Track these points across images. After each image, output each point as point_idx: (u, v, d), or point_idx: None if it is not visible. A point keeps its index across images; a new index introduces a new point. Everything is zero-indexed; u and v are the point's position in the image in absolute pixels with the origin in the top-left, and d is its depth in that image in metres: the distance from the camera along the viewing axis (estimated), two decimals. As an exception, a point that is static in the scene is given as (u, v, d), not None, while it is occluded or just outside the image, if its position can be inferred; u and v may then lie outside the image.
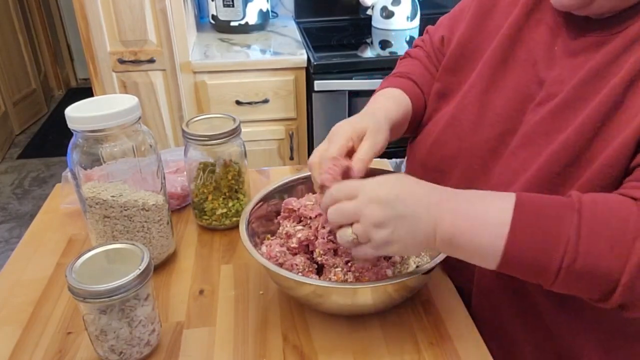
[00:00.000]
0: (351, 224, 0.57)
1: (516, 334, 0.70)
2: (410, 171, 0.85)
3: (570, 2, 0.62)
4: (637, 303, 0.51)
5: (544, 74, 0.67)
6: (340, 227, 0.59)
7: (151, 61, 1.79)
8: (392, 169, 0.84)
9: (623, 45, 0.60)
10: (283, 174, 0.83)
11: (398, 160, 1.74)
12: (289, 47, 1.96)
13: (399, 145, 0.90)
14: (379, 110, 0.75)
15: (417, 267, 0.70)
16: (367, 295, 0.62)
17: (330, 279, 0.65)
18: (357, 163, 0.65)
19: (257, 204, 0.75)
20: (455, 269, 0.74)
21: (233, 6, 2.02)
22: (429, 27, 0.94)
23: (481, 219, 0.55)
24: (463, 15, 0.82)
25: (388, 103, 0.78)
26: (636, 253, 0.49)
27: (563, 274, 0.52)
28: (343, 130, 0.66)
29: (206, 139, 0.80)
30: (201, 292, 0.75)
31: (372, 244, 0.57)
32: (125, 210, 0.71)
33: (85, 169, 0.69)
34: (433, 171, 0.78)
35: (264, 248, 0.71)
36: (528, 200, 0.55)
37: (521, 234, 0.53)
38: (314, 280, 0.62)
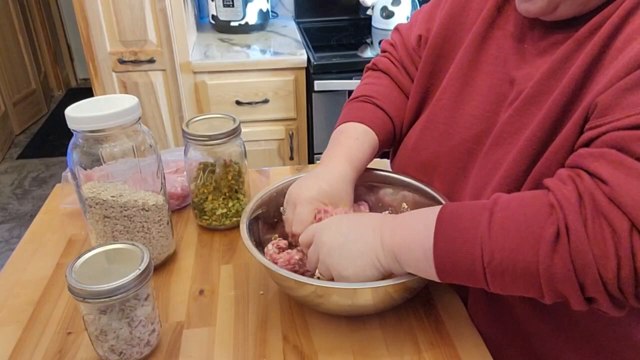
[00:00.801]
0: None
1: (502, 343, 0.69)
2: None
3: (535, 10, 0.62)
4: (572, 294, 0.51)
5: (515, 72, 0.67)
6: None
7: (151, 61, 1.79)
8: (389, 169, 0.84)
9: (581, 38, 0.60)
10: (283, 174, 0.83)
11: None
12: (289, 47, 1.96)
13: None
14: (343, 171, 0.73)
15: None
16: (367, 295, 0.62)
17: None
18: None
19: (257, 203, 0.75)
20: None
21: (233, 6, 2.02)
22: (400, 25, 0.90)
23: (412, 234, 0.59)
24: (438, 11, 0.80)
25: (353, 149, 0.76)
26: (544, 242, 0.50)
27: (490, 274, 0.53)
28: (308, 205, 0.69)
29: (206, 139, 0.80)
30: (201, 292, 0.75)
31: (334, 276, 0.62)
32: (125, 210, 0.71)
33: (85, 169, 0.69)
34: (415, 176, 0.78)
35: (270, 246, 0.71)
36: (449, 209, 0.57)
37: (442, 241, 0.55)
38: (314, 281, 0.62)
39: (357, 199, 0.79)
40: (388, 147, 0.85)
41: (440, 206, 0.59)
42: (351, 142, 0.77)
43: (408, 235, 0.59)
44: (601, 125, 0.53)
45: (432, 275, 0.58)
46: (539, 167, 0.59)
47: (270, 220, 0.78)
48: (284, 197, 0.75)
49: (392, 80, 0.86)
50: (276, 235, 0.76)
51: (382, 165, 0.84)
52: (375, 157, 0.81)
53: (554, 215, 0.50)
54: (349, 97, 0.87)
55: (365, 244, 0.61)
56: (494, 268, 0.52)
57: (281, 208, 0.75)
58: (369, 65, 0.91)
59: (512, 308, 0.66)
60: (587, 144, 0.54)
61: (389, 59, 0.87)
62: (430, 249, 0.56)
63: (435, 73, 0.78)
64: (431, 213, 0.58)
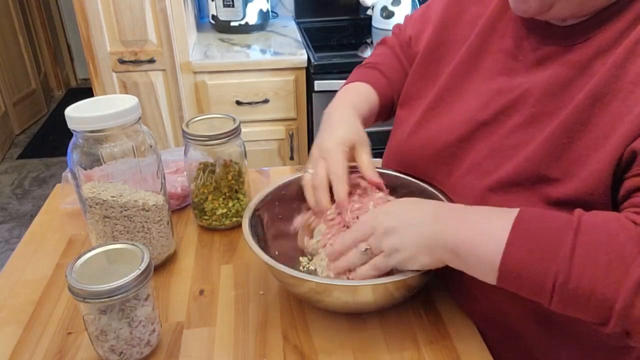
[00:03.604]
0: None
1: (498, 348, 0.69)
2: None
3: (529, 8, 0.61)
4: (638, 330, 0.50)
5: (508, 84, 0.67)
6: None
7: (151, 61, 1.79)
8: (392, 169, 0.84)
9: (586, 58, 0.59)
10: (283, 174, 0.83)
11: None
12: (289, 47, 1.96)
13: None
14: (351, 115, 0.78)
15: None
16: (367, 293, 0.62)
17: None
18: (371, 174, 0.73)
19: (258, 203, 0.75)
20: (455, 287, 0.74)
21: (233, 6, 2.02)
22: (407, 15, 0.96)
23: (482, 231, 0.55)
24: (429, 17, 0.83)
25: (356, 101, 0.83)
26: (631, 279, 0.48)
27: (558, 294, 0.51)
28: (338, 149, 0.71)
29: (206, 139, 0.80)
30: (201, 292, 0.75)
31: (383, 253, 0.61)
32: (125, 210, 0.71)
33: (85, 169, 0.69)
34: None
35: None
36: (529, 216, 0.54)
37: (517, 248, 0.52)
38: (315, 277, 0.62)
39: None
40: (386, 111, 0.90)
41: (517, 210, 0.55)
42: (355, 97, 0.84)
43: (476, 234, 0.56)
44: None
45: (488, 277, 0.55)
46: (567, 197, 0.58)
47: (273, 218, 0.78)
48: (288, 195, 0.76)
49: (395, 55, 0.93)
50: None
51: (379, 164, 0.84)
52: (374, 117, 0.88)
53: None
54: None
55: (422, 233, 0.59)
56: (566, 292, 0.50)
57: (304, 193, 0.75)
58: (379, 41, 0.99)
59: (517, 325, 0.66)
60: (636, 190, 0.54)
61: (397, 39, 0.95)
62: (500, 253, 0.53)
63: (425, 77, 0.80)
64: (506, 215, 0.55)
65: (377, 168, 0.80)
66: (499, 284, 0.55)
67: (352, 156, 0.74)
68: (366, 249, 0.62)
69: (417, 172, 0.77)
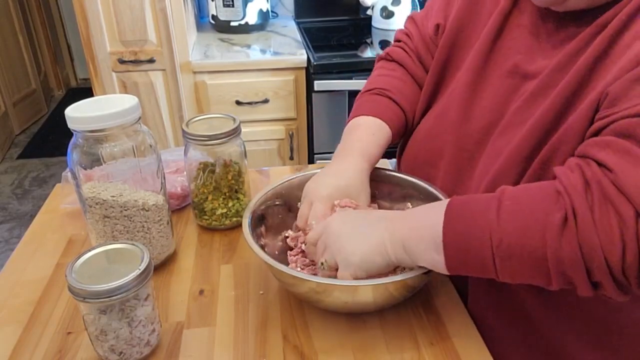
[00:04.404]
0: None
1: (505, 334, 0.70)
2: (402, 165, 0.85)
3: (547, 0, 0.62)
4: (579, 279, 0.51)
5: (528, 66, 0.67)
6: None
7: (151, 61, 1.79)
8: (392, 168, 0.84)
9: (591, 35, 0.60)
10: (283, 174, 0.83)
11: (398, 160, 1.74)
12: (289, 47, 1.96)
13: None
14: (360, 170, 0.74)
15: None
16: (367, 293, 0.62)
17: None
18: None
19: (258, 203, 0.75)
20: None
21: (233, 6, 2.02)
22: (414, 14, 0.89)
23: (422, 224, 0.59)
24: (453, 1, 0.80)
25: (368, 142, 0.77)
26: (552, 226, 0.51)
27: (498, 258, 0.54)
28: (326, 206, 0.70)
29: (206, 139, 0.80)
30: (201, 292, 0.75)
31: (339, 265, 0.62)
32: (125, 210, 0.71)
33: (85, 169, 0.69)
34: (423, 164, 0.78)
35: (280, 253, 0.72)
36: (458, 200, 0.58)
37: (452, 228, 0.56)
38: (315, 277, 0.62)
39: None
40: (398, 140, 0.85)
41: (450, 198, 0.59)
42: (368, 137, 0.78)
43: (417, 225, 0.60)
44: (610, 115, 0.53)
45: (440, 265, 0.58)
46: (543, 155, 0.60)
47: (273, 218, 0.78)
48: (289, 195, 0.76)
49: (407, 72, 0.86)
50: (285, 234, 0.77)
51: (383, 164, 0.84)
52: (386, 148, 0.82)
53: (561, 201, 0.51)
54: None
55: (374, 231, 0.62)
56: (502, 252, 0.53)
57: (298, 203, 0.76)
58: (382, 55, 0.90)
59: (515, 295, 0.67)
60: (596, 134, 0.55)
61: (403, 49, 0.87)
62: (440, 236, 0.56)
63: (449, 62, 0.78)
64: (440, 204, 0.59)
65: (376, 167, 0.80)
66: (450, 270, 0.58)
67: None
68: (322, 262, 0.64)
69: (439, 160, 0.76)
